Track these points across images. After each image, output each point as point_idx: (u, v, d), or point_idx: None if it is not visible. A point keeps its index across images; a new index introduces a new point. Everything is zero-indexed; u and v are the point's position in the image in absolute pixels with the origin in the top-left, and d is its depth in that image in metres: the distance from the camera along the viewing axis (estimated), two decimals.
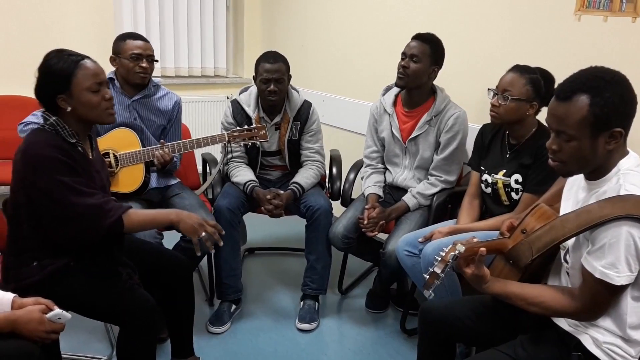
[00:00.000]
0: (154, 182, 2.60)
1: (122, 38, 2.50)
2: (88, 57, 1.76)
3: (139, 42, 2.47)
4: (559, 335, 1.51)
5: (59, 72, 1.69)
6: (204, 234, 1.85)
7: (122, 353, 1.81)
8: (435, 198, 2.54)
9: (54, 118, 1.73)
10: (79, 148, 1.77)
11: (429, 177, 2.58)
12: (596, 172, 1.44)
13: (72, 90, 1.70)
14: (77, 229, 1.71)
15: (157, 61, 2.57)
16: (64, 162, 1.68)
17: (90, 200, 1.70)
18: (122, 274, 1.82)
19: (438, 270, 1.55)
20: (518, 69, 2.11)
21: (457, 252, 1.52)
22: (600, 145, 1.38)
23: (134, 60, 2.45)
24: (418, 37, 2.48)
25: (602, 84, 1.36)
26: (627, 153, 1.42)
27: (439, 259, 1.55)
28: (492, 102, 2.14)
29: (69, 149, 1.73)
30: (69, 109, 1.72)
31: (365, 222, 2.49)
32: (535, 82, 2.07)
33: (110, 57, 2.49)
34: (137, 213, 1.82)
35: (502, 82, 2.12)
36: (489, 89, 2.16)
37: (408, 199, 2.56)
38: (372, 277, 2.95)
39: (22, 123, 2.32)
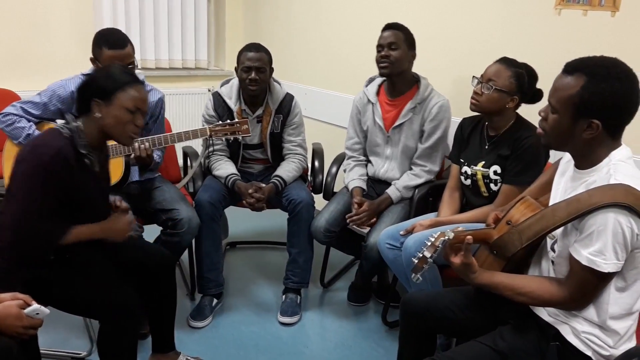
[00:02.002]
0: (134, 175, 2.57)
1: (99, 43, 2.34)
2: (142, 83, 1.81)
3: (114, 52, 2.29)
4: (538, 325, 1.53)
5: (111, 81, 1.74)
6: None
7: (104, 349, 1.79)
8: (417, 191, 2.55)
9: (75, 124, 1.73)
10: (86, 160, 1.76)
11: (413, 167, 2.59)
12: (585, 161, 1.45)
13: (111, 100, 1.73)
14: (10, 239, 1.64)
15: (136, 66, 2.44)
16: (56, 175, 1.66)
17: (36, 222, 1.64)
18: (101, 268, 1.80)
19: (427, 254, 1.55)
20: (505, 61, 2.13)
21: (446, 237, 1.53)
22: (577, 130, 1.40)
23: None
24: (389, 26, 2.51)
25: (604, 73, 1.36)
26: (619, 145, 1.44)
27: (429, 244, 1.56)
28: (474, 90, 2.16)
29: (75, 158, 1.71)
30: (98, 115, 1.73)
31: (357, 217, 2.49)
32: (519, 76, 2.09)
33: (91, 58, 2.40)
34: (72, 234, 1.74)
35: (488, 71, 2.14)
36: (474, 76, 2.17)
37: (392, 192, 2.57)
38: (354, 270, 2.96)
39: (1, 114, 2.27)
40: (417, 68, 2.59)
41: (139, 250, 2.07)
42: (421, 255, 1.57)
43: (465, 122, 2.37)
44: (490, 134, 2.22)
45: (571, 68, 1.41)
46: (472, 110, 2.19)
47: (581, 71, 1.38)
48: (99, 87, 1.74)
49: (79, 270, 1.78)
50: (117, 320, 1.74)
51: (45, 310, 1.49)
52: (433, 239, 1.57)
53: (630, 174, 1.38)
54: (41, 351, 1.83)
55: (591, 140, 1.41)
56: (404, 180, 2.57)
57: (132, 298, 1.77)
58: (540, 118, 1.50)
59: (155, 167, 2.62)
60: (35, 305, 1.47)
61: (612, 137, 1.42)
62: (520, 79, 2.09)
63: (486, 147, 2.22)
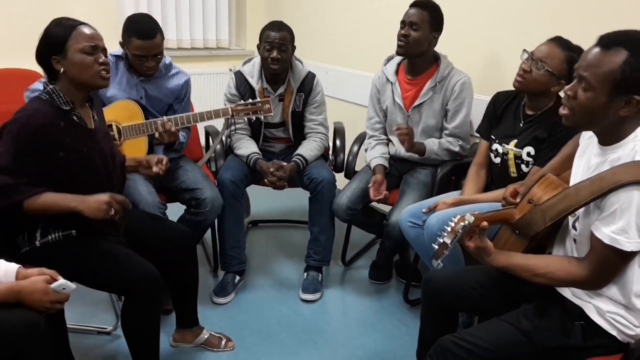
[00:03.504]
0: (159, 154, 2.58)
1: (128, 31, 2.35)
2: (87, 24, 1.78)
3: (142, 43, 2.30)
4: (562, 304, 1.51)
5: (55, 35, 1.73)
6: (113, 211, 1.75)
7: (127, 323, 1.83)
8: (439, 170, 2.52)
9: (50, 86, 1.75)
10: (74, 117, 1.77)
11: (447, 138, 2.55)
12: (611, 137, 1.41)
13: (66, 51, 1.72)
14: None
15: (164, 56, 2.47)
16: (31, 134, 1.67)
17: None
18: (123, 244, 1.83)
19: (448, 241, 1.53)
20: (560, 42, 2.01)
21: (466, 222, 1.50)
22: (613, 107, 1.35)
23: (138, 58, 2.36)
24: (416, 4, 2.44)
25: None
26: None
27: (449, 229, 1.54)
28: (522, 66, 2.04)
29: (60, 117, 1.73)
30: (62, 69, 1.73)
31: (401, 130, 2.40)
32: (572, 61, 1.93)
33: (120, 42, 2.42)
34: (40, 198, 1.71)
35: (540, 50, 2.02)
36: (524, 50, 2.05)
37: (428, 143, 2.51)
38: (376, 248, 2.96)
39: (29, 90, 2.31)
40: (440, 45, 2.53)
41: (161, 227, 2.10)
42: (442, 241, 1.56)
43: (499, 96, 2.27)
44: (527, 112, 2.13)
45: (609, 42, 1.33)
46: (516, 87, 2.08)
47: (622, 45, 1.31)
48: (49, 45, 1.73)
49: (99, 247, 1.81)
50: (139, 296, 1.77)
51: (72, 285, 1.52)
52: (453, 224, 1.54)
53: None
54: (68, 326, 1.88)
55: (624, 117, 1.36)
56: (444, 143, 2.52)
57: (154, 273, 1.79)
58: (564, 98, 1.42)
59: (180, 148, 2.63)
60: (61, 280, 1.51)
61: None
62: (572, 64, 1.93)
63: (521, 125, 2.14)
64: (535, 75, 2.01)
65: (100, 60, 1.75)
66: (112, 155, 1.95)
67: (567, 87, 1.42)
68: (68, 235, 1.80)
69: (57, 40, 1.72)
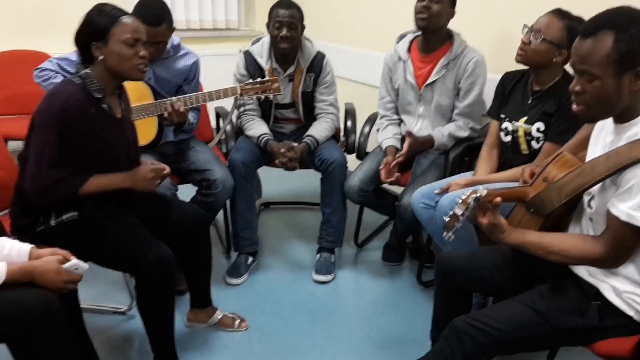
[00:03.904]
0: (168, 135, 2.58)
1: (135, 13, 2.07)
2: (129, 14, 1.79)
3: (146, 28, 1.85)
4: (578, 284, 1.49)
5: (98, 22, 1.73)
6: (158, 182, 1.90)
7: (143, 304, 1.84)
8: (451, 151, 2.49)
9: (84, 71, 1.75)
10: (104, 105, 1.78)
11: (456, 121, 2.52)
12: (625, 114, 1.38)
13: (107, 39, 1.72)
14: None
15: (166, 48, 2.42)
16: (69, 121, 1.68)
17: (47, 173, 1.69)
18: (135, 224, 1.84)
19: (459, 212, 1.51)
20: (558, 12, 2.01)
21: (478, 194, 1.48)
22: (625, 85, 1.32)
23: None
24: None
25: (628, 20, 1.29)
26: None
27: (460, 201, 1.52)
28: (522, 39, 2.05)
29: (92, 104, 1.74)
30: (101, 57, 1.73)
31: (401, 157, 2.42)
32: (571, 29, 1.96)
33: None
34: (91, 183, 1.77)
35: (538, 21, 2.03)
36: (524, 24, 2.06)
37: (436, 135, 2.49)
38: (388, 230, 2.94)
39: (38, 68, 2.30)
40: (454, 22, 2.48)
41: (173, 209, 2.10)
42: (452, 212, 1.53)
43: (507, 76, 2.26)
44: (535, 88, 2.12)
45: (592, 29, 1.32)
46: (518, 61, 2.09)
47: (604, 28, 1.30)
48: (92, 30, 1.73)
49: (113, 227, 1.82)
50: (154, 277, 1.77)
51: (84, 265, 1.53)
52: (465, 196, 1.52)
53: None
54: (83, 306, 1.89)
55: (638, 91, 1.33)
56: (450, 128, 2.49)
57: (168, 254, 1.79)
58: (573, 96, 1.39)
59: (190, 129, 2.62)
60: (74, 261, 1.51)
61: None
62: (571, 32, 1.96)
63: (529, 101, 2.13)
64: (534, 46, 2.01)
65: (141, 53, 1.76)
66: (135, 145, 1.96)
67: (571, 85, 1.39)
68: (83, 216, 1.81)
69: (99, 27, 1.72)
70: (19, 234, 1.74)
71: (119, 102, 1.88)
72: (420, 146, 2.48)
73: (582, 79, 1.36)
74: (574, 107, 1.42)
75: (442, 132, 2.49)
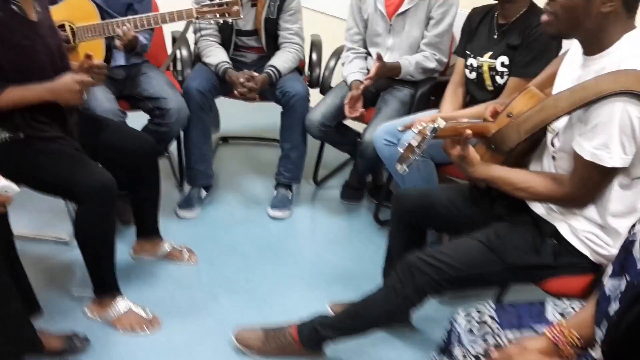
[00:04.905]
0: (119, 59, 2.41)
1: None
2: None
3: None
4: (535, 223, 1.46)
5: None
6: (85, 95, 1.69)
7: (80, 231, 1.73)
8: (418, 88, 2.40)
9: None
10: (13, 6, 1.59)
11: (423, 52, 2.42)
12: (593, 42, 1.32)
13: None
14: None
15: None
16: None
17: None
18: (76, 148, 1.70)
19: (414, 143, 1.42)
20: None
21: (436, 125, 1.40)
22: (595, 4, 1.25)
23: None
24: None
25: None
26: (632, 27, 1.29)
27: (417, 132, 1.44)
28: None
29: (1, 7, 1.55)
30: None
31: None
32: None
33: None
34: (4, 95, 1.60)
35: None
36: None
37: (403, 62, 2.38)
38: (348, 170, 2.88)
39: None
40: None
41: (120, 134, 1.97)
42: (408, 144, 1.44)
43: (474, 12, 2.18)
44: (500, 22, 2.04)
45: None
46: None
47: None
48: None
49: (49, 150, 1.69)
50: (93, 203, 1.66)
51: (15, 188, 1.41)
52: (422, 127, 1.44)
53: None
54: (24, 235, 1.80)
55: (608, 15, 1.26)
56: (417, 57, 2.39)
57: (109, 180, 1.68)
58: (546, 4, 1.33)
59: (142, 51, 2.45)
60: (3, 182, 1.39)
61: (629, 10, 1.27)
62: None
63: (495, 36, 2.05)
64: None
65: None
66: (61, 54, 1.78)
67: None
68: (15, 136, 1.67)
69: None
70: None
71: (34, 3, 1.68)
72: (388, 71, 2.37)
73: None
74: (543, 17, 1.36)
75: (409, 60, 2.39)
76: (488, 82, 2.07)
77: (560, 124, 1.39)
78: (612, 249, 1.37)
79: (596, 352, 1.08)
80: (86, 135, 1.85)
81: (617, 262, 1.08)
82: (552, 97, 1.37)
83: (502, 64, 2.01)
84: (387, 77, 2.45)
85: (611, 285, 1.07)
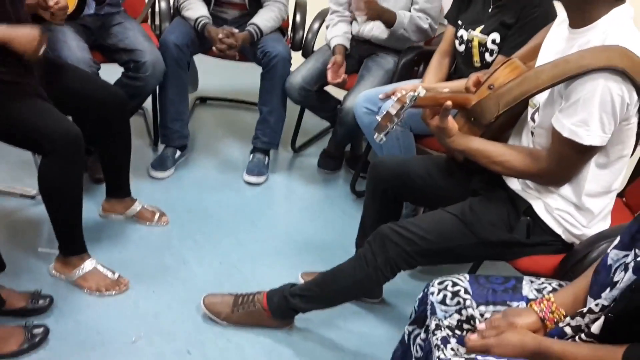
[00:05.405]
0: (92, 7, 2.29)
1: None
2: None
3: None
4: (510, 199, 1.43)
5: None
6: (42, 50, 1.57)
7: (44, 183, 1.65)
8: (402, 55, 2.35)
9: None
10: None
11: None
12: (582, 18, 1.27)
13: None
14: None
15: None
16: None
17: None
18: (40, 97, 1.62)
19: (393, 111, 1.37)
20: None
21: (416, 93, 1.35)
22: None
23: None
24: None
25: None
26: (622, 2, 1.24)
27: (395, 99, 1.39)
28: None
29: None
30: None
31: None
32: None
33: None
34: None
35: None
36: None
37: (400, 15, 2.29)
38: (327, 138, 2.82)
39: None
40: None
41: (88, 83, 1.88)
42: (386, 112, 1.39)
43: None
44: None
45: None
46: None
47: None
48: None
49: (10, 96, 1.59)
50: (58, 154, 1.58)
51: None
52: (401, 95, 1.39)
53: (630, 35, 1.21)
54: None
55: None
56: (413, 14, 2.31)
57: (74, 131, 1.60)
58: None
59: (117, 1, 2.33)
60: None
61: None
62: None
63: (489, 10, 1.97)
64: None
65: None
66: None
67: None
68: None
69: None
70: None
71: None
72: (381, 13, 2.27)
73: None
74: None
75: (404, 13, 2.31)
76: (476, 57, 2.01)
77: (541, 98, 1.35)
78: (585, 229, 1.36)
79: (590, 322, 1.02)
80: (51, 81, 1.75)
81: (627, 234, 1.03)
82: (533, 70, 1.32)
83: (493, 42, 1.94)
84: (373, 44, 2.39)
85: (614, 254, 1.05)
